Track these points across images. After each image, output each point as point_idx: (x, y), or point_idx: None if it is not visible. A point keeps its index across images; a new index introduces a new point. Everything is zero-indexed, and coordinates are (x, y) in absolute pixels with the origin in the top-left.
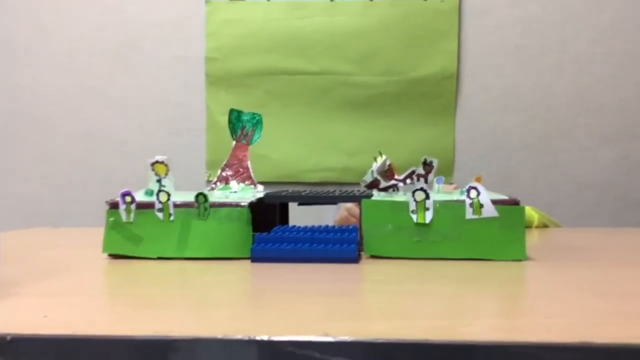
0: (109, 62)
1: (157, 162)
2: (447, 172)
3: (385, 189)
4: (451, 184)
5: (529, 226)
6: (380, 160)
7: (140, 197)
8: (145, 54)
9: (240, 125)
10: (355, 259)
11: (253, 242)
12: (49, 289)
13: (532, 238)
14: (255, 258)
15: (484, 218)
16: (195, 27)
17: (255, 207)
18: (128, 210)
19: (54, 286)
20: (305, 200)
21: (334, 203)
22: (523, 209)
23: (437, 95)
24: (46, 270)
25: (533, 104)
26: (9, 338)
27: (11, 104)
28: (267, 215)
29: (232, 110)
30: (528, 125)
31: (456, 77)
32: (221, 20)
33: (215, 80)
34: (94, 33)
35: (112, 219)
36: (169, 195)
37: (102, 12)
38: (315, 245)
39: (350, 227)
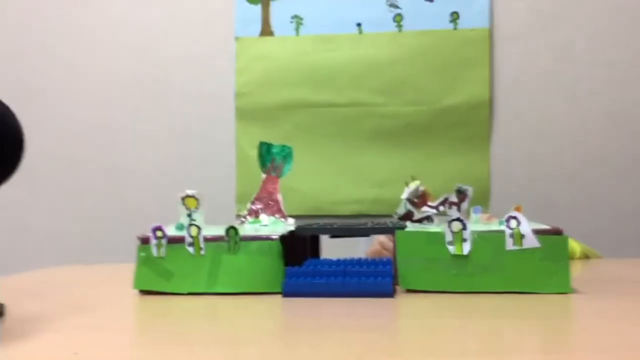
0: (139, 98)
1: (187, 195)
2: (483, 201)
3: (419, 221)
4: (485, 213)
5: (571, 258)
6: (412, 185)
7: (171, 231)
8: (176, 90)
9: (270, 158)
10: (390, 293)
11: (284, 276)
12: (80, 325)
13: (575, 270)
14: (286, 293)
15: (525, 249)
16: (226, 63)
17: (286, 240)
18: (159, 245)
19: (85, 323)
20: (337, 233)
21: (367, 235)
22: (566, 239)
23: (470, 124)
24: (77, 307)
25: (570, 130)
26: None
27: (41, 140)
28: (298, 249)
29: (261, 143)
30: (565, 152)
31: (489, 105)
32: (251, 55)
33: (245, 115)
34: (125, 70)
35: (143, 254)
36: (199, 229)
37: (133, 50)
38: (348, 278)
39: (385, 259)
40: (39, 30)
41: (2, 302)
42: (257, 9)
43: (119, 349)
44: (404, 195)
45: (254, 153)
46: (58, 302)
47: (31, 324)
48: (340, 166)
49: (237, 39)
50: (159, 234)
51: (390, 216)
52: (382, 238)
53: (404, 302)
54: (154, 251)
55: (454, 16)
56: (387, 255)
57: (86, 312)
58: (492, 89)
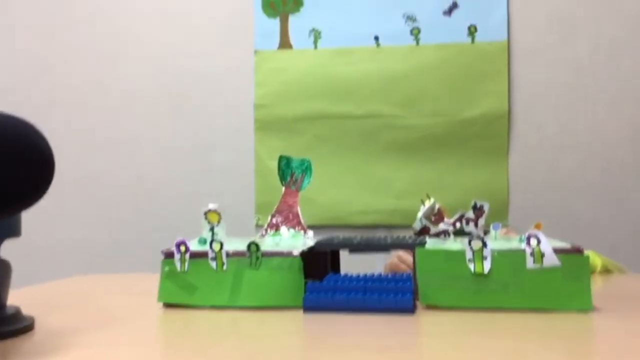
0: (162, 111)
1: (210, 210)
2: (501, 214)
3: (436, 235)
4: (504, 227)
5: (591, 272)
6: (428, 203)
7: (194, 246)
8: (197, 102)
9: (290, 172)
10: (411, 309)
11: (305, 291)
12: (107, 339)
13: (596, 285)
14: (307, 308)
15: (545, 267)
16: (245, 76)
17: (307, 255)
18: (182, 260)
19: (112, 337)
20: (357, 248)
21: (386, 250)
22: (587, 258)
23: (488, 136)
24: (104, 320)
25: (590, 142)
26: None
27: (67, 152)
28: (318, 262)
29: (281, 157)
30: (586, 164)
31: (508, 117)
32: (270, 68)
33: (264, 126)
34: (147, 83)
35: (167, 268)
36: (221, 244)
37: (156, 64)
38: (369, 294)
39: (405, 275)
40: (64, 46)
41: (31, 315)
42: (276, 22)
43: None
44: (420, 214)
45: (272, 164)
46: (86, 314)
47: (60, 338)
48: (359, 177)
49: (256, 51)
50: (182, 248)
51: (408, 227)
52: (400, 251)
53: (424, 319)
54: (178, 266)
55: (472, 30)
56: (404, 268)
57: (113, 325)
58: (511, 102)
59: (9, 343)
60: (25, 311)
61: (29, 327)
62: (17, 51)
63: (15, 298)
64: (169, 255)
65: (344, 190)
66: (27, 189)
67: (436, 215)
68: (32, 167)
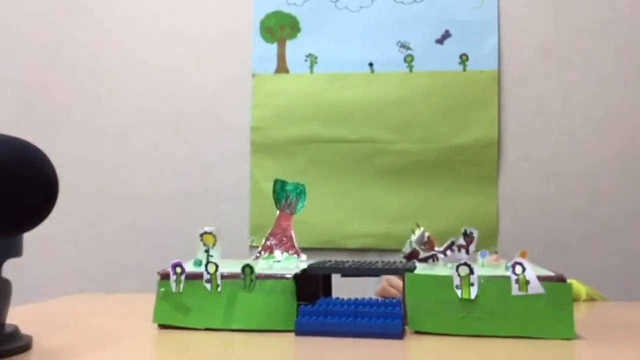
0: (159, 131)
1: (205, 232)
2: (491, 240)
3: (425, 259)
4: (496, 252)
5: (575, 300)
6: (418, 232)
7: (189, 267)
8: (194, 124)
9: (284, 195)
10: (399, 335)
11: (298, 315)
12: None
13: (580, 313)
14: (299, 331)
15: (530, 295)
16: (242, 99)
17: (300, 277)
18: (178, 281)
19: (108, 357)
20: (348, 272)
21: (377, 275)
22: (570, 286)
23: (479, 163)
24: (100, 340)
25: (578, 171)
26: None
27: (66, 171)
28: (310, 285)
29: (276, 181)
30: (573, 192)
31: (497, 145)
32: (266, 91)
33: (260, 149)
34: (145, 104)
35: (162, 289)
36: (217, 266)
37: (155, 85)
38: (359, 319)
39: (394, 300)
40: (65, 67)
41: (29, 334)
42: (273, 47)
43: None
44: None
45: (267, 186)
46: (82, 334)
47: (57, 358)
48: (351, 201)
49: (253, 75)
50: (178, 270)
51: (399, 251)
52: (390, 276)
53: (412, 345)
54: (173, 287)
55: (464, 58)
56: (393, 292)
57: (109, 346)
58: (500, 130)
59: None
60: (23, 330)
61: (26, 347)
62: (18, 69)
63: (12, 316)
64: (164, 277)
65: (337, 214)
66: (31, 211)
67: (426, 244)
68: (37, 190)
